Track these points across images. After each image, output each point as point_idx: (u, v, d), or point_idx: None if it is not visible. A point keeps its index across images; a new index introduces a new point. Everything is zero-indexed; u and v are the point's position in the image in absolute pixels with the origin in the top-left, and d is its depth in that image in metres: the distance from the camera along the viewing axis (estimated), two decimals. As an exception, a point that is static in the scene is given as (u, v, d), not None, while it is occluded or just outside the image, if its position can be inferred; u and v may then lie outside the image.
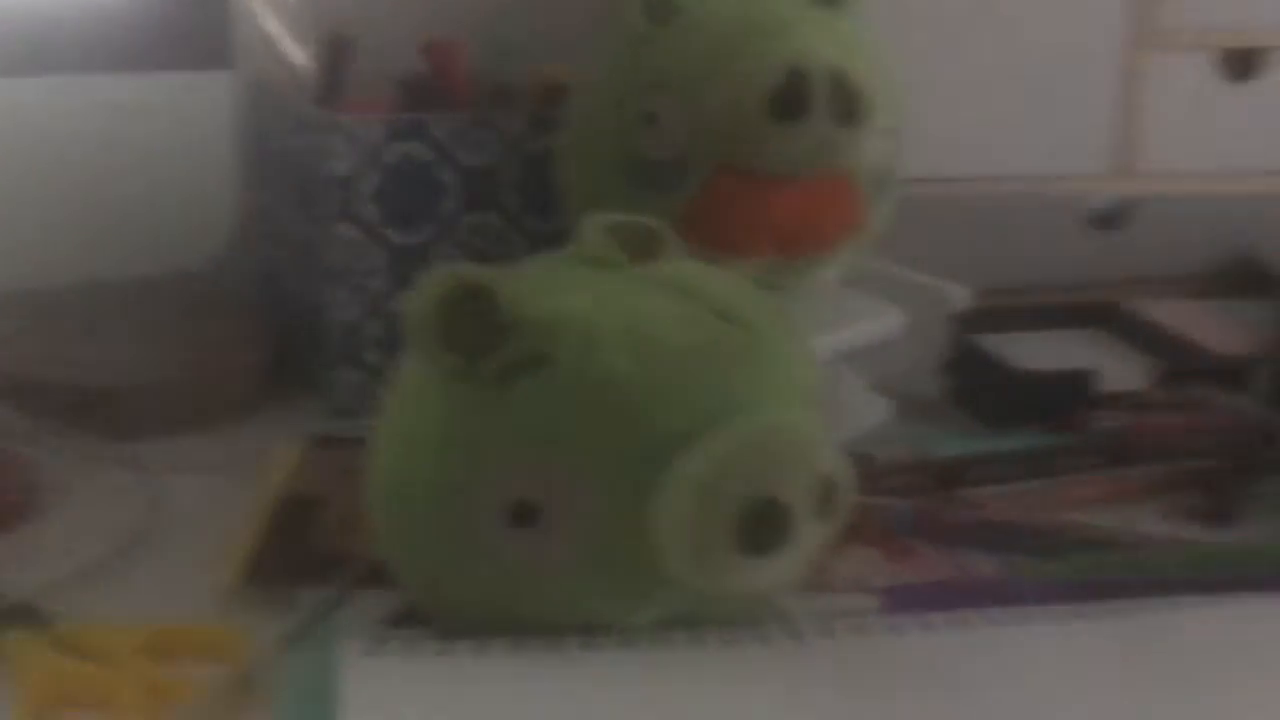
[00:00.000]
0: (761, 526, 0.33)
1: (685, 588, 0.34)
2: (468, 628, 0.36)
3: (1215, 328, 0.65)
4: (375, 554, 0.40)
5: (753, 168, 0.49)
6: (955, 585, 0.42)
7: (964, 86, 0.68)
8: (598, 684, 0.34)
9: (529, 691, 0.33)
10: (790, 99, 0.48)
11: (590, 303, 0.35)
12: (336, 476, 0.49)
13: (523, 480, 0.34)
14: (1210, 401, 0.55)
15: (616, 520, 0.34)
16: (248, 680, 0.37)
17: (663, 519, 0.33)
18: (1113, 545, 0.44)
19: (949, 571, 0.44)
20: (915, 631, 0.37)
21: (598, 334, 0.35)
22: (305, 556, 0.44)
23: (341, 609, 0.41)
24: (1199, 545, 0.45)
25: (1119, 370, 0.60)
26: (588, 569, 0.34)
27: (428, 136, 0.56)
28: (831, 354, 0.53)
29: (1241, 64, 0.72)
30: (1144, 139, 0.70)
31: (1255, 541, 0.46)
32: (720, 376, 0.35)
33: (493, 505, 0.34)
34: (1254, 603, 0.38)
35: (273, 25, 0.62)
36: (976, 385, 0.59)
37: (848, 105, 0.48)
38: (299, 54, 0.62)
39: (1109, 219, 0.71)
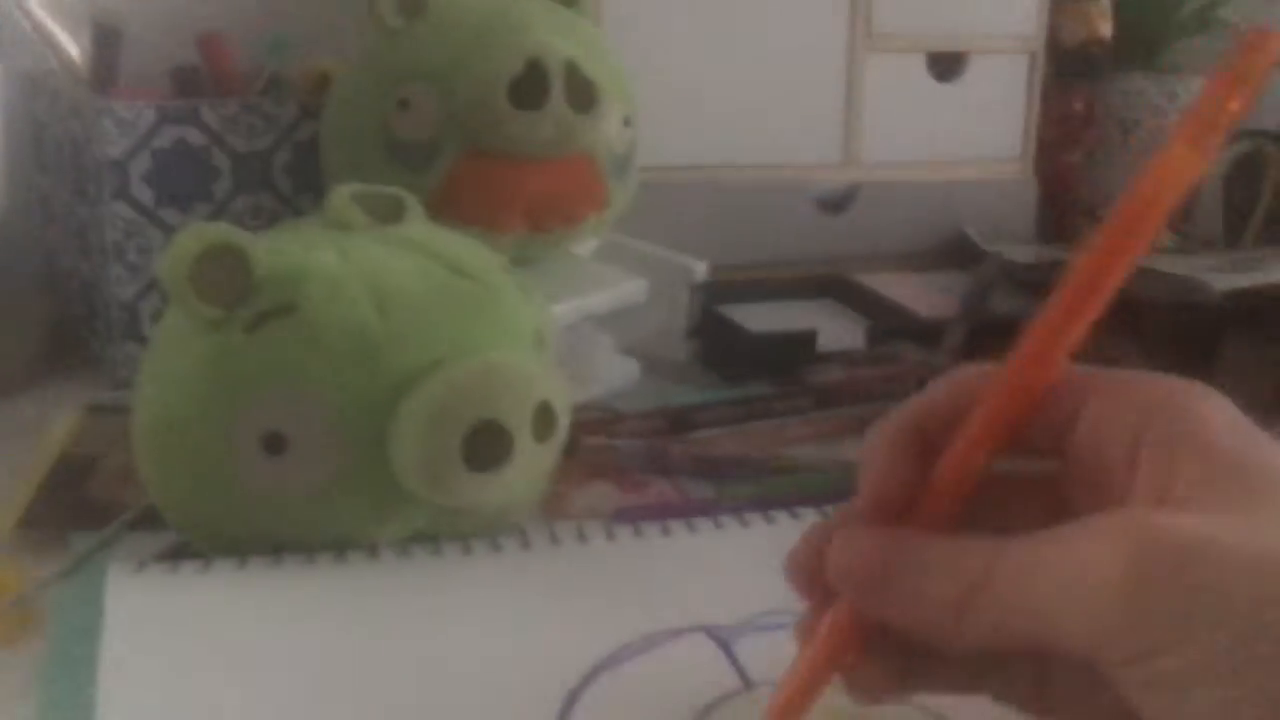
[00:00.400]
0: (485, 444, 0.38)
1: (422, 503, 0.39)
2: (231, 554, 0.40)
3: (924, 296, 0.74)
4: (148, 502, 0.44)
5: (499, 150, 0.55)
6: (671, 506, 0.48)
7: (710, 86, 0.75)
8: (348, 590, 0.38)
9: (284, 599, 0.37)
10: (529, 87, 0.53)
11: (335, 258, 0.40)
12: (113, 438, 0.52)
13: (273, 414, 0.38)
14: (906, 356, 0.64)
15: (358, 445, 0.38)
16: (21, 611, 0.40)
17: (399, 442, 0.38)
18: (807, 470, 0.51)
19: (673, 498, 0.50)
20: (627, 538, 0.43)
21: (341, 284, 0.39)
22: (80, 505, 0.47)
23: (113, 548, 0.44)
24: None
25: (839, 332, 0.68)
26: (335, 490, 0.39)
27: (200, 122, 0.60)
28: (581, 318, 0.59)
29: (947, 65, 0.81)
30: (866, 131, 0.79)
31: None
32: (452, 321, 0.40)
33: (247, 438, 0.38)
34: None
35: (44, 17, 0.64)
36: (715, 346, 0.66)
37: (582, 93, 0.54)
38: (71, 45, 0.64)
39: (836, 203, 0.79)
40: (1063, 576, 0.23)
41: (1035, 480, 0.28)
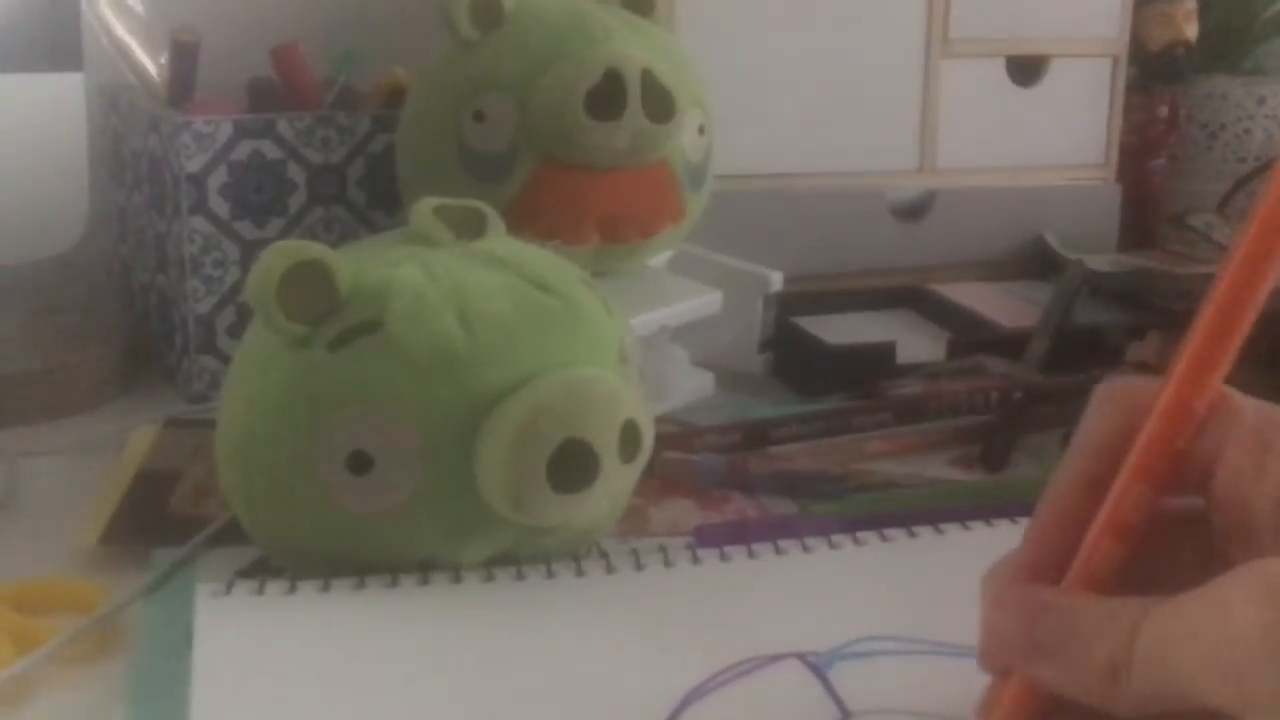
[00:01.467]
0: (571, 465, 0.38)
1: (507, 524, 0.39)
2: (315, 573, 0.39)
3: (1004, 305, 0.72)
4: (229, 516, 0.44)
5: (575, 161, 0.54)
6: (751, 523, 0.47)
7: (785, 93, 0.74)
8: (431, 615, 0.38)
9: (368, 623, 0.37)
10: (606, 97, 0.53)
11: (419, 274, 0.40)
12: (192, 453, 0.52)
13: (358, 432, 0.38)
14: (989, 368, 0.62)
15: (443, 464, 0.38)
16: (104, 628, 0.40)
17: (484, 462, 0.38)
18: (890, 487, 0.50)
19: (752, 514, 0.49)
20: (713, 562, 0.42)
21: (425, 300, 0.39)
22: (162, 520, 0.47)
23: (197, 565, 0.44)
24: (956, 482, 0.51)
25: (917, 344, 0.67)
26: (419, 510, 0.38)
27: (275, 135, 0.60)
28: (656, 330, 0.59)
29: (1026, 69, 0.79)
30: (943, 137, 0.77)
31: (1006, 479, 0.52)
32: (536, 338, 0.40)
33: (332, 457, 0.38)
34: (1001, 527, 0.44)
35: (122, 31, 0.64)
36: (792, 359, 0.65)
37: (659, 103, 0.54)
38: (149, 59, 0.65)
39: (912, 210, 0.78)
40: (1203, 634, 0.22)
41: (1183, 519, 0.26)
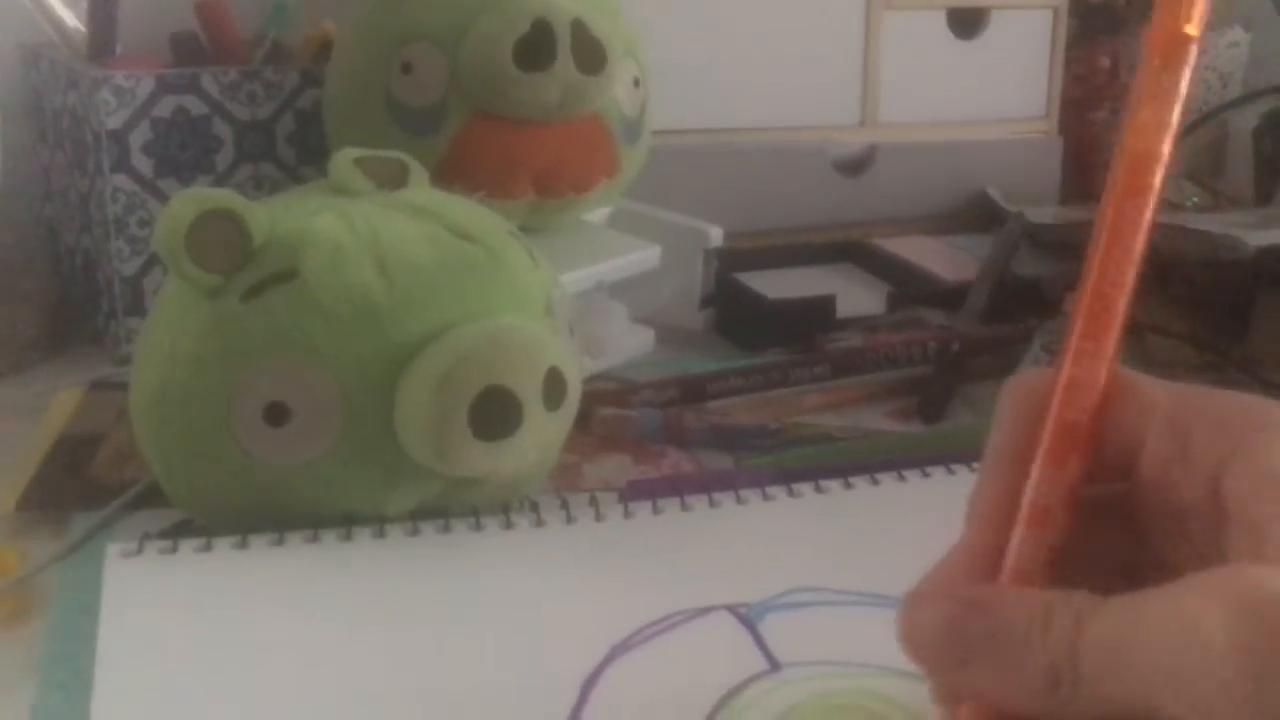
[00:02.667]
0: (493, 412, 0.37)
1: (431, 474, 0.38)
2: (235, 531, 0.38)
3: (945, 259, 0.72)
4: (150, 479, 0.43)
5: (506, 114, 0.53)
6: (686, 478, 0.47)
7: (723, 47, 0.73)
8: (352, 570, 0.37)
9: (286, 579, 0.36)
10: (535, 48, 0.52)
11: (336, 222, 0.39)
12: (116, 416, 0.51)
13: (274, 384, 0.37)
14: (928, 320, 0.62)
15: (363, 415, 0.37)
16: (22, 593, 0.39)
17: (404, 410, 0.37)
18: (827, 440, 0.49)
19: (688, 469, 0.49)
20: (645, 515, 0.41)
21: (343, 249, 0.38)
22: (81, 485, 0.46)
23: (115, 529, 0.43)
24: (892, 433, 0.51)
25: (858, 298, 0.67)
26: (340, 461, 0.38)
27: (200, 90, 0.58)
28: (594, 286, 0.58)
29: (967, 22, 0.79)
30: (883, 91, 0.77)
31: (942, 429, 0.52)
32: (458, 287, 0.39)
33: (248, 409, 0.37)
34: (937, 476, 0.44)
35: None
36: (732, 314, 0.65)
37: (590, 54, 0.53)
38: (67, 14, 0.63)
39: (854, 165, 0.77)
40: (1164, 645, 0.21)
41: (1107, 510, 0.25)
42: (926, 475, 0.43)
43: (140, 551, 0.37)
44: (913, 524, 0.41)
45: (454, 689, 0.31)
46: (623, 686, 0.31)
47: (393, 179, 0.43)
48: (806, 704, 0.31)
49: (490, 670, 0.32)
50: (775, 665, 0.33)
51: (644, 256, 0.60)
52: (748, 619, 0.34)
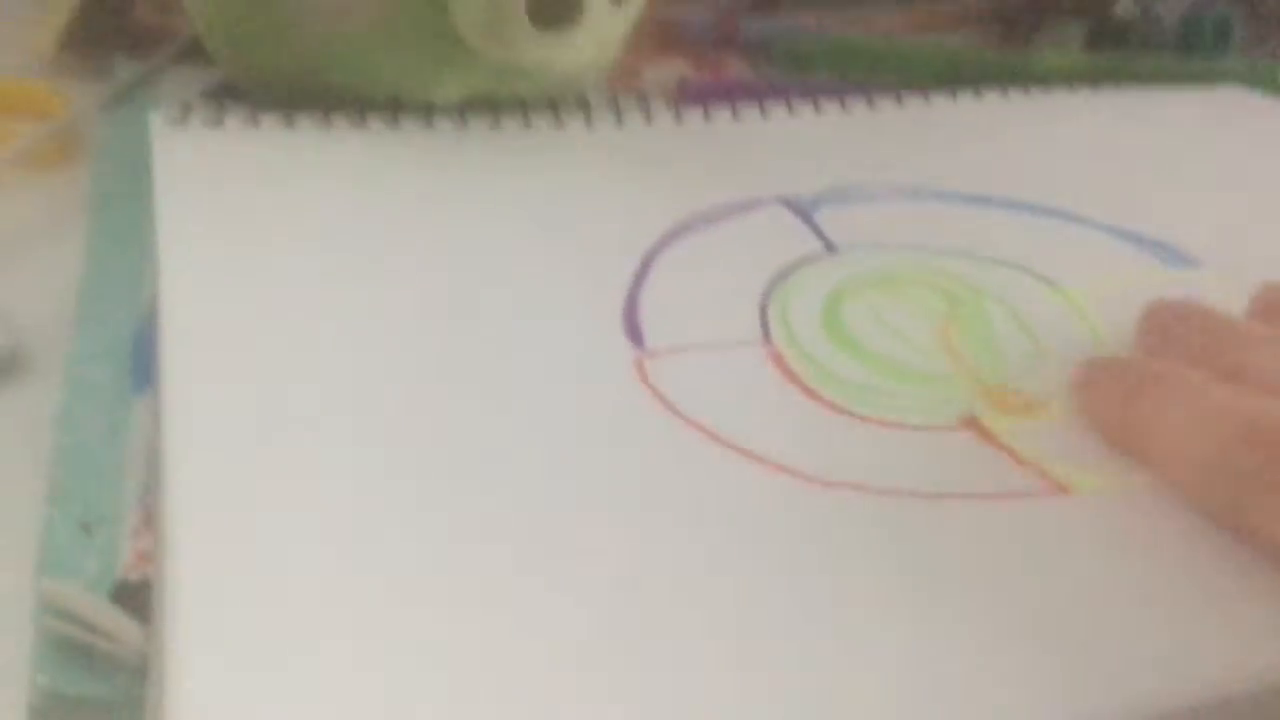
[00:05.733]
0: (554, 1, 0.35)
1: (482, 62, 0.36)
2: (279, 102, 0.37)
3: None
4: (193, 31, 0.41)
5: None
6: (739, 84, 0.45)
7: None
8: (401, 158, 0.35)
9: (335, 162, 0.35)
10: None
11: None
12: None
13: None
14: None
15: (415, -10, 0.35)
16: (65, 135, 0.39)
17: (459, -11, 0.35)
18: (884, 56, 0.47)
19: (745, 78, 0.47)
20: (696, 120, 0.40)
21: None
22: (124, 30, 0.44)
23: (160, 81, 0.42)
24: (958, 50, 0.48)
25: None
26: (389, 35, 0.36)
27: None
28: None
29: None
30: None
31: (1011, 56, 0.49)
32: None
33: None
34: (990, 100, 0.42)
35: None
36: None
37: None
38: None
39: None
40: None
41: None
42: (979, 98, 0.42)
43: (185, 121, 0.36)
44: (968, 141, 0.40)
45: (501, 275, 0.31)
46: (681, 267, 0.31)
47: None
48: (862, 275, 0.31)
49: (539, 256, 0.31)
50: (831, 247, 0.33)
51: None
52: (801, 208, 0.34)
